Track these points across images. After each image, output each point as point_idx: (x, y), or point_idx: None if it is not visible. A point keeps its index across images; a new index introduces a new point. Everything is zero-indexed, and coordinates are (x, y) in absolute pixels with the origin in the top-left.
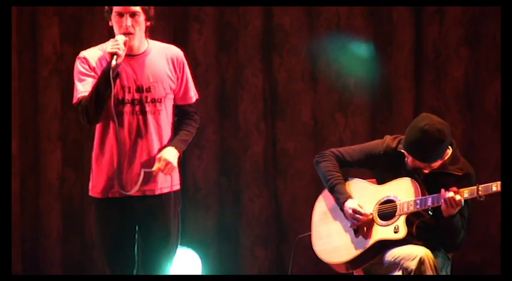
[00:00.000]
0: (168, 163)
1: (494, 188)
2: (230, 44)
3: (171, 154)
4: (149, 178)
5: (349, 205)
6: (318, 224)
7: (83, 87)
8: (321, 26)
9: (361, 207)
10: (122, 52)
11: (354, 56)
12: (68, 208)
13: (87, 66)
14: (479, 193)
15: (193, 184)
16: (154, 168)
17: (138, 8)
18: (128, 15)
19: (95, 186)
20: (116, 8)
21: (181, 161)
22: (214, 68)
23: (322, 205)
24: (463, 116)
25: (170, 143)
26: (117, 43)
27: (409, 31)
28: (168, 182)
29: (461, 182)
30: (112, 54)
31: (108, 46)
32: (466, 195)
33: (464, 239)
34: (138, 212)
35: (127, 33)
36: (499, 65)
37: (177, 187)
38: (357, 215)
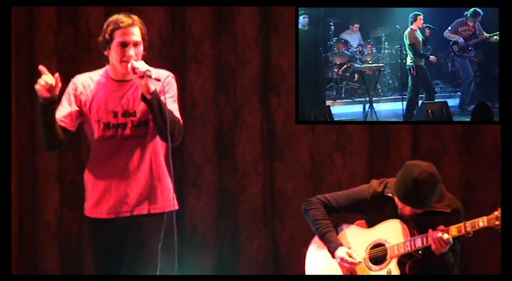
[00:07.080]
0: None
1: (481, 224)
2: (228, 84)
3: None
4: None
5: (338, 253)
6: (310, 272)
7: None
8: None
9: (349, 255)
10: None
11: None
12: (66, 248)
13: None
14: (467, 229)
15: (191, 224)
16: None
17: (140, 38)
18: (131, 45)
19: (87, 206)
20: (118, 38)
21: (179, 201)
22: (212, 108)
23: (314, 253)
24: (460, 156)
25: None
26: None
27: None
28: (145, 205)
29: (451, 219)
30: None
31: (144, 67)
32: (453, 233)
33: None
34: (119, 232)
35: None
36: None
37: (155, 210)
38: (345, 264)
